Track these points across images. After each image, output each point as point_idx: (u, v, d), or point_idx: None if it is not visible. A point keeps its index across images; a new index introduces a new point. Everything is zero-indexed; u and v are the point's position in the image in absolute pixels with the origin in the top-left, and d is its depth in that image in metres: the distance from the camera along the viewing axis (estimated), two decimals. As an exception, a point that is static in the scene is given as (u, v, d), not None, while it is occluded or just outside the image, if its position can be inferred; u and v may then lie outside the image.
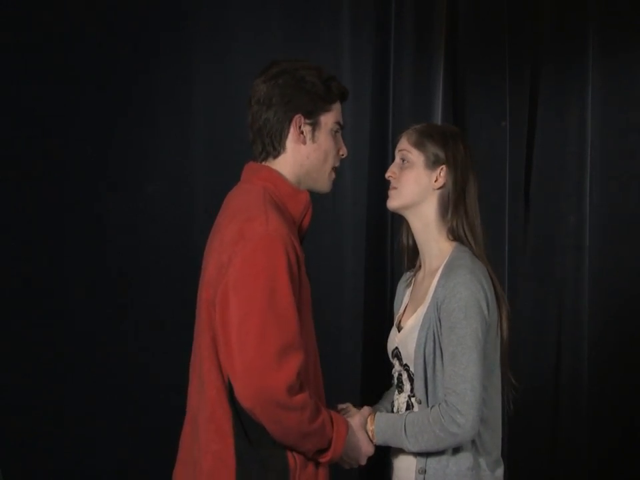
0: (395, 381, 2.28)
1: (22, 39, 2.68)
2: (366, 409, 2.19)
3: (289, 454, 1.94)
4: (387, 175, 2.27)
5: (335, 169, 2.12)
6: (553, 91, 4.02)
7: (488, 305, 2.12)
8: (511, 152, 3.88)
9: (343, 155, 2.13)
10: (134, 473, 2.85)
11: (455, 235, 2.22)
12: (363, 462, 2.15)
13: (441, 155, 2.21)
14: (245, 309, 1.86)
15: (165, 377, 2.69)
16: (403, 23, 3.53)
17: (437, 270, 2.21)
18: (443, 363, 2.12)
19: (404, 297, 2.37)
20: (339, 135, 2.10)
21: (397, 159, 2.27)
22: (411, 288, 2.35)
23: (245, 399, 1.85)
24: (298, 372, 1.85)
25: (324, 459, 1.98)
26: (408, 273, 2.41)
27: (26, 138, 2.71)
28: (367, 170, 3.42)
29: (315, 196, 2.11)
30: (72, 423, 2.76)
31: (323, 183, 2.11)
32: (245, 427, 1.92)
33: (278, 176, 2.03)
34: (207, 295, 1.96)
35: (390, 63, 3.48)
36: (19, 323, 2.69)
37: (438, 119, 3.60)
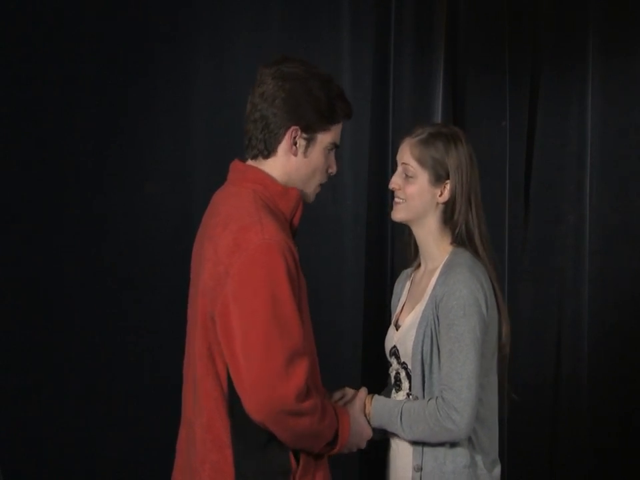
0: (393, 379, 2.28)
1: (22, 39, 2.68)
2: (363, 392, 2.20)
3: (291, 458, 1.94)
4: (391, 186, 2.24)
5: (321, 184, 2.10)
6: (553, 91, 4.03)
7: (487, 304, 2.12)
8: (511, 152, 3.88)
9: (331, 172, 2.09)
10: (134, 473, 2.85)
11: (458, 242, 2.22)
12: (363, 446, 2.16)
13: (445, 169, 2.18)
14: (247, 322, 1.84)
15: (165, 378, 2.68)
16: (403, 23, 3.53)
17: (436, 269, 2.21)
18: (440, 361, 2.12)
19: (401, 296, 2.37)
20: (332, 153, 2.06)
21: (400, 169, 2.24)
22: (408, 287, 2.35)
23: (256, 413, 1.84)
24: (305, 378, 1.84)
25: (332, 452, 2.01)
26: (405, 271, 2.41)
27: (26, 138, 2.71)
28: (367, 170, 3.42)
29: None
30: (72, 423, 2.76)
31: (306, 196, 2.08)
32: (243, 437, 1.91)
33: (266, 176, 2.00)
34: (202, 304, 1.94)
35: (390, 63, 3.48)
36: (19, 322, 2.69)
37: (438, 119, 3.60)
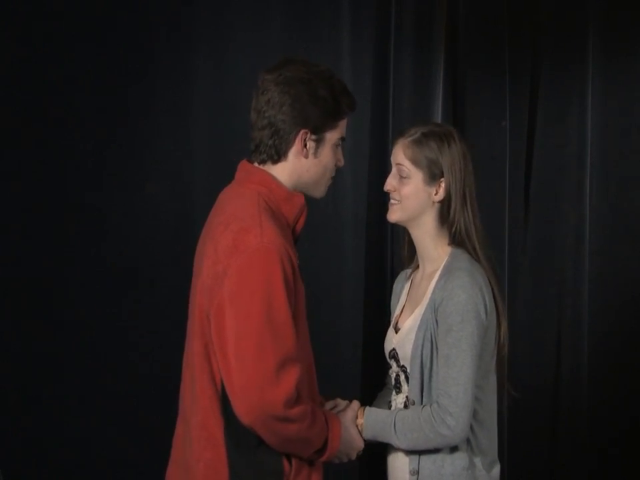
0: (393, 382, 2.28)
1: (23, 38, 2.68)
2: (355, 403, 2.19)
3: (284, 460, 1.94)
4: (386, 187, 2.24)
5: (331, 177, 2.11)
6: (553, 91, 4.02)
7: (486, 308, 2.12)
8: (511, 152, 3.88)
9: (340, 165, 2.11)
10: (134, 473, 2.85)
11: (456, 242, 2.22)
12: (354, 457, 2.16)
13: (440, 168, 2.18)
14: (242, 325, 1.85)
15: (165, 378, 2.69)
16: (403, 24, 3.53)
17: (435, 272, 2.21)
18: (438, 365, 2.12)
19: (401, 297, 2.37)
20: (339, 147, 2.08)
21: (394, 170, 2.24)
22: (408, 288, 2.35)
23: (244, 415, 1.85)
24: (296, 385, 1.85)
25: (321, 459, 2.00)
26: (404, 272, 2.40)
27: (26, 138, 2.71)
28: (366, 170, 3.42)
29: (313, 197, 2.11)
30: (72, 423, 2.76)
31: (318, 191, 2.10)
32: (238, 436, 1.92)
33: (272, 180, 2.01)
34: (200, 301, 1.95)
35: (390, 63, 3.48)
36: (19, 322, 2.69)
37: (438, 119, 3.59)
